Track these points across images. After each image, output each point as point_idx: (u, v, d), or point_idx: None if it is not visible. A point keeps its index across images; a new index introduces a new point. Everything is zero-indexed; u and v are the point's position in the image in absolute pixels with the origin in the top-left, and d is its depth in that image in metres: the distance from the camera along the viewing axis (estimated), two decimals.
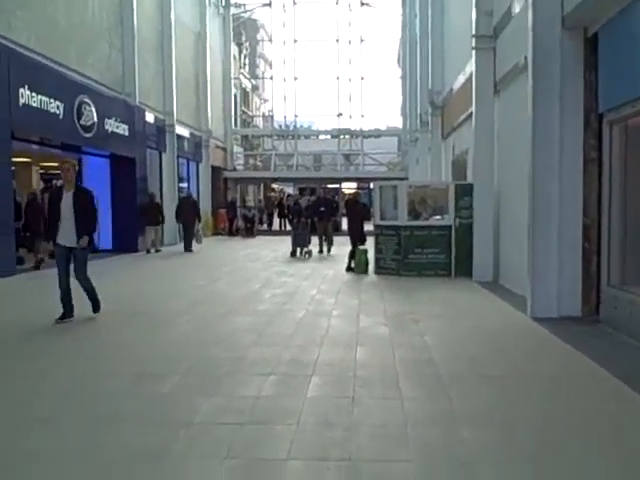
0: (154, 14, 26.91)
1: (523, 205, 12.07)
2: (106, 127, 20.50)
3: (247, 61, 57.62)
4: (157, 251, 23.31)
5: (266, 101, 61.10)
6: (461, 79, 18.55)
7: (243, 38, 52.93)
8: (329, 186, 41.66)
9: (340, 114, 41.85)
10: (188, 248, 23.72)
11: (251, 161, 46.10)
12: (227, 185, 39.62)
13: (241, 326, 9.12)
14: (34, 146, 19.22)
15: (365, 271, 15.83)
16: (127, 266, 18.84)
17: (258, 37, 61.13)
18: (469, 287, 13.48)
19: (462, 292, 12.74)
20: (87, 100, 18.91)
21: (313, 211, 21.55)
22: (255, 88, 61.10)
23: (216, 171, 37.92)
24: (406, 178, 34.38)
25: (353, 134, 42.51)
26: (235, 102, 45.87)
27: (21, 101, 15.58)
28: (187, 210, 24.56)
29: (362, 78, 41.75)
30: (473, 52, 13.99)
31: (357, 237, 16.21)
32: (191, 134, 32.48)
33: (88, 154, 22.12)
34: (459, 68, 19.46)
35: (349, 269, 16.22)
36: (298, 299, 11.65)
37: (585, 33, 9.06)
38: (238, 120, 48.44)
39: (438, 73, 23.56)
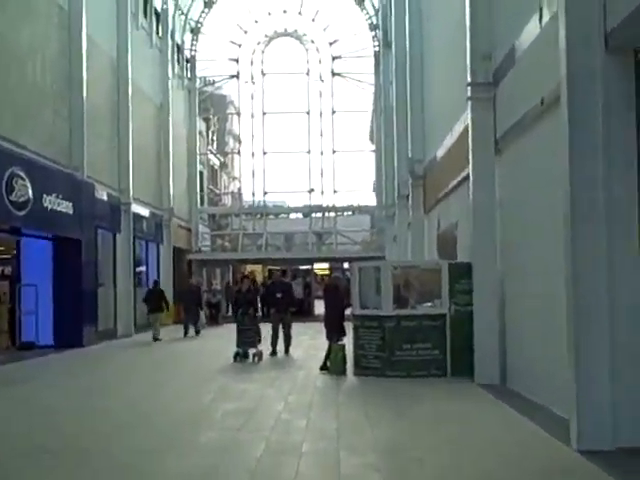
0: (109, 81, 24.79)
1: (537, 288, 9.69)
2: (45, 204, 17.93)
3: (215, 137, 55.78)
4: (156, 340, 21.96)
5: (235, 179, 59.04)
6: (448, 143, 16.40)
7: (211, 114, 51.21)
8: (301, 267, 39.30)
9: (312, 189, 39.70)
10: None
11: (219, 241, 43.62)
12: (191, 268, 36.91)
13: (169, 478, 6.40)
14: None
15: (343, 371, 13.16)
16: (63, 367, 16.00)
17: (227, 112, 59.62)
18: (473, 394, 10.85)
19: (467, 403, 10.11)
20: (20, 173, 16.39)
21: (267, 298, 18.15)
22: (224, 166, 59.08)
23: (180, 253, 35.36)
24: (382, 257, 32.13)
25: (325, 210, 40.30)
26: (201, 180, 43.64)
27: None
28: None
29: (334, 151, 39.82)
30: (468, 104, 11.75)
31: (335, 330, 13.58)
32: (151, 213, 30.02)
33: (28, 236, 19.52)
34: (442, 134, 17.39)
35: (324, 368, 13.55)
36: (258, 420, 8.91)
37: (636, 56, 6.79)
38: (205, 199, 46.10)
39: (418, 141, 21.49)
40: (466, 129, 13.83)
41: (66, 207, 19.25)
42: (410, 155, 21.63)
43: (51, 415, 9.65)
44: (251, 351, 15.45)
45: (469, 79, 11.68)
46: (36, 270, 19.74)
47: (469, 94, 11.68)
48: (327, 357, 13.53)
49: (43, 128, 18.83)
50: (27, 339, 19.52)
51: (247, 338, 15.40)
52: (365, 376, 12.75)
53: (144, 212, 28.79)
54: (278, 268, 36.99)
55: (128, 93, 25.73)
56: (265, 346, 16.04)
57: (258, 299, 18.20)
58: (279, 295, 16.81)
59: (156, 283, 25.02)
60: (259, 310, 17.89)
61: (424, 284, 14.14)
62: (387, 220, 33.64)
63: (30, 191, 16.85)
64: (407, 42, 22.56)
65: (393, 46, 27.99)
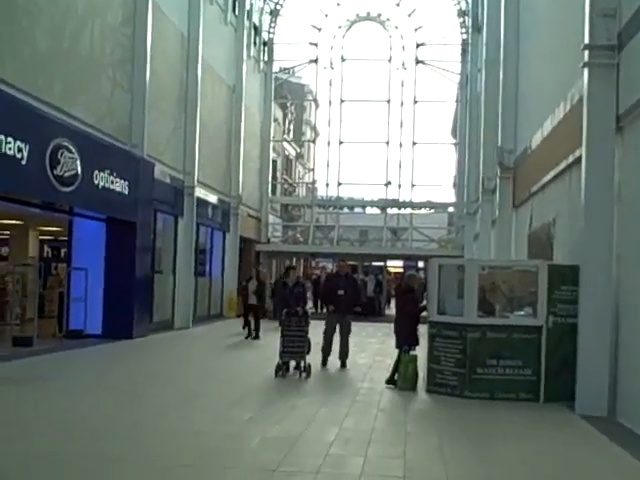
0: (177, 56, 23.23)
1: None
2: (96, 182, 16.42)
3: (292, 127, 54.31)
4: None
5: (311, 170, 57.43)
6: (547, 128, 14.16)
7: (288, 101, 49.66)
8: (373, 264, 37.23)
9: (389, 183, 37.58)
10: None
11: (290, 233, 41.99)
12: (259, 259, 35.33)
13: None
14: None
15: (413, 387, 11.16)
16: (102, 363, 14.54)
17: (305, 104, 58.04)
18: (574, 427, 8.73)
19: (567, 439, 8.00)
20: (67, 145, 14.86)
21: (326, 294, 14.56)
22: (299, 156, 57.57)
23: (247, 243, 33.83)
24: (461, 257, 29.83)
25: (401, 205, 38.10)
26: (274, 169, 42.11)
27: None
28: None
29: (414, 143, 37.57)
30: (584, 72, 9.54)
31: (407, 338, 11.54)
32: (218, 200, 28.50)
33: (80, 216, 18.15)
34: (540, 120, 15.16)
35: (390, 381, 11.56)
36: (301, 455, 6.99)
37: None
38: (278, 189, 44.61)
39: (509, 130, 19.20)
40: (573, 108, 11.70)
41: (121, 186, 17.74)
42: (500, 144, 19.36)
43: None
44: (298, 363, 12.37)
45: (586, 40, 9.46)
46: (87, 253, 18.35)
47: (586, 59, 9.46)
48: (395, 369, 11.51)
49: (99, 100, 17.36)
50: (75, 327, 18.20)
51: (293, 347, 12.22)
52: (439, 394, 10.73)
53: (210, 198, 27.30)
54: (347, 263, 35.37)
55: (198, 70, 24.17)
56: (315, 356, 13.19)
57: (309, 296, 15.85)
58: (341, 292, 13.64)
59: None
60: (309, 310, 15.04)
61: (515, 289, 12.02)
62: (467, 218, 31.41)
63: (79, 166, 15.34)
64: (502, 23, 20.29)
65: (484, 31, 25.79)
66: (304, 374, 12.13)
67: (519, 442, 7.88)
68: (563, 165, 12.59)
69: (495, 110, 20.96)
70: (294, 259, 47.32)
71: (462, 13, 37.05)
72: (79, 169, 15.35)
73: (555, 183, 13.69)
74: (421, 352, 11.54)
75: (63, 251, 22.68)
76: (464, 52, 36.72)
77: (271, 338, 16.18)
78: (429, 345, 11.10)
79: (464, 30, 36.95)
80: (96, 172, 16.32)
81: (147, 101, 19.42)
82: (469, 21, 35.22)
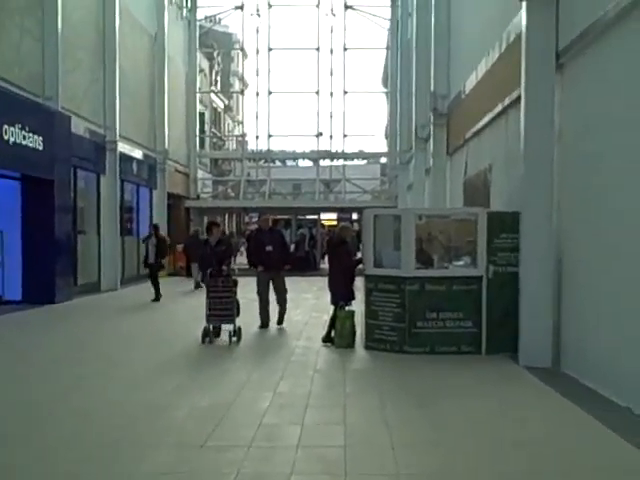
0: (92, 2, 21.81)
1: (612, 248, 7.22)
2: (6, 137, 15.24)
3: (219, 78, 52.76)
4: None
5: (240, 123, 56.16)
6: (482, 70, 13.68)
7: (215, 52, 48.11)
8: (307, 217, 36.67)
9: (320, 133, 36.75)
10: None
11: (220, 188, 40.97)
12: (189, 216, 34.34)
13: None
14: None
15: (351, 344, 10.68)
16: (15, 331, 13.63)
17: (232, 53, 56.46)
18: (520, 381, 8.38)
19: (514, 396, 7.63)
20: None
21: (253, 253, 13.42)
22: (228, 109, 56.17)
23: (176, 200, 32.74)
24: (395, 208, 29.53)
25: (334, 157, 37.45)
26: (202, 122, 40.81)
27: None
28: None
29: (345, 92, 36.70)
30: (523, 4, 8.99)
31: (342, 293, 11.00)
32: (144, 155, 27.32)
33: None
34: (474, 63, 14.67)
35: (327, 339, 11.06)
36: (231, 426, 6.39)
37: None
38: (207, 143, 43.39)
39: (442, 75, 18.67)
40: (509, 47, 11.22)
41: (34, 141, 16.55)
42: (433, 89, 18.82)
43: None
44: (226, 328, 11.32)
45: None
46: (3, 214, 17.20)
47: None
48: (332, 326, 10.99)
49: (6, 48, 16.05)
50: None
51: (221, 310, 11.14)
52: (378, 351, 10.28)
53: (135, 153, 26.11)
54: (279, 217, 34.75)
55: (115, 17, 22.74)
56: (247, 320, 12.13)
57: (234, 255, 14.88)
58: (269, 248, 12.80)
59: (196, 232, 23.15)
60: (234, 269, 13.48)
61: (452, 239, 11.60)
62: (401, 168, 30.95)
63: None
64: None
65: None
66: (234, 338, 11.11)
67: (465, 399, 7.47)
68: (499, 108, 12.14)
69: (427, 55, 20.38)
70: (226, 215, 46.46)
71: None
72: None
73: (491, 128, 13.26)
74: (358, 307, 11.05)
75: None
76: None
77: (194, 300, 15.39)
78: (366, 300, 10.59)
79: None
80: (5, 127, 15.14)
81: (60, 50, 18.11)
82: None
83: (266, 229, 13.51)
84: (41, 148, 16.93)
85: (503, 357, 9.55)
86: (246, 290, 13.12)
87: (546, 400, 7.46)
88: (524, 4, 9.01)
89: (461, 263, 10.64)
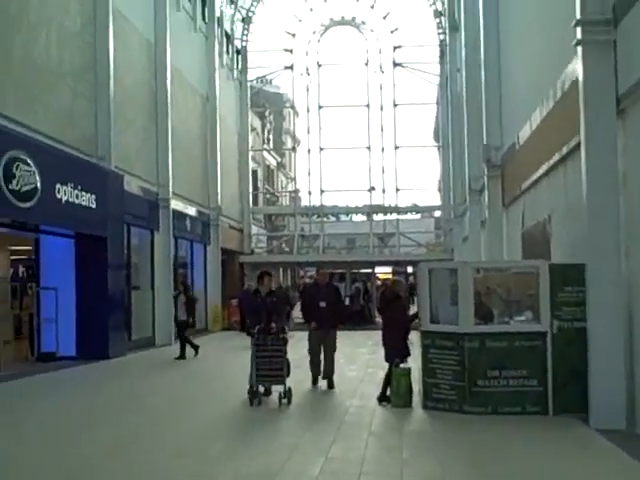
0: (144, 64, 22.22)
1: None
2: (59, 196, 15.38)
3: (271, 136, 53.34)
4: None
5: (293, 180, 56.52)
6: (536, 119, 13.28)
7: (266, 111, 48.74)
8: (362, 271, 36.35)
9: (372, 188, 36.65)
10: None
11: (275, 243, 40.99)
12: (244, 271, 34.33)
13: None
14: None
15: (408, 403, 10.18)
16: (68, 388, 13.45)
17: (284, 112, 57.17)
18: (591, 444, 7.78)
19: (586, 461, 7.05)
20: (23, 157, 13.82)
21: (305, 308, 12.90)
22: (281, 166, 56.65)
23: (230, 255, 32.83)
24: (451, 260, 29.03)
25: (387, 211, 37.17)
26: (255, 179, 41.16)
27: None
28: None
29: (396, 147, 36.67)
30: (578, 50, 8.64)
31: (397, 350, 10.55)
32: (197, 212, 27.51)
33: (47, 233, 17.13)
34: (527, 113, 14.29)
35: (383, 398, 10.58)
36: None
37: None
38: (261, 199, 43.66)
39: (494, 127, 18.31)
40: (565, 95, 10.84)
41: (87, 200, 16.70)
42: (486, 142, 18.48)
43: None
44: (276, 388, 10.61)
45: (578, 15, 8.56)
46: (57, 271, 17.37)
47: (579, 36, 8.55)
48: (387, 384, 10.53)
49: (59, 110, 16.28)
50: (47, 349, 17.17)
51: (270, 370, 10.44)
52: (437, 410, 9.76)
53: (189, 210, 26.31)
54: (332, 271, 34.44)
55: (167, 78, 23.16)
56: (299, 378, 11.64)
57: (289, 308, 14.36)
58: (323, 305, 12.11)
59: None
60: (289, 324, 13.05)
61: (512, 292, 11.10)
62: (455, 220, 30.60)
63: (38, 179, 14.30)
64: (480, 19, 19.42)
65: (462, 29, 24.98)
66: (284, 400, 10.40)
67: (532, 467, 6.92)
68: (556, 158, 11.70)
69: (478, 108, 20.08)
70: (280, 270, 46.35)
71: (438, 14, 36.32)
72: (38, 183, 14.31)
73: (548, 178, 12.80)
74: (414, 364, 10.57)
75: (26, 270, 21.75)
76: (442, 53, 35.96)
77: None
78: (423, 357, 10.12)
79: (441, 31, 36.21)
80: (58, 186, 15.28)
81: (112, 111, 18.38)
82: (446, 21, 34.45)
83: (323, 284, 12.84)
84: (94, 206, 17.06)
85: (572, 418, 8.94)
86: (299, 346, 12.73)
87: (621, 466, 6.86)
88: (579, 49, 8.65)
89: (522, 318, 10.11)
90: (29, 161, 13.99)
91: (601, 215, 8.48)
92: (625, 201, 8.41)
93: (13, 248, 23.12)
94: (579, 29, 8.57)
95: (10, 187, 13.37)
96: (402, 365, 10.43)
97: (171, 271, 23.12)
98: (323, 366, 12.35)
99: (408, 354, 10.63)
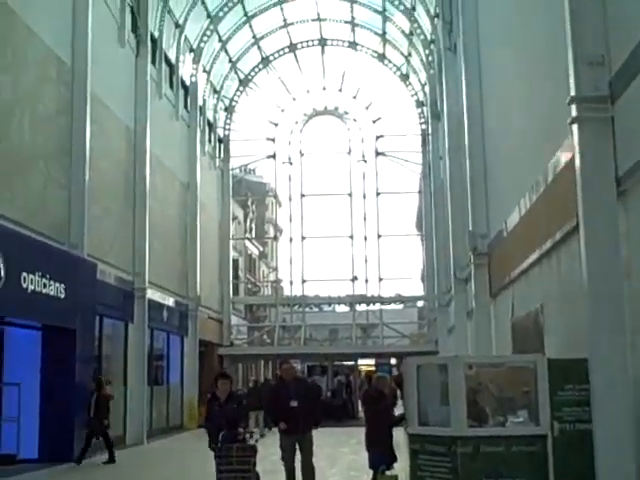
0: (122, 151, 21.84)
1: None
2: (24, 285, 14.56)
3: (254, 225, 53.07)
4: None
5: (274, 270, 55.95)
6: (526, 204, 12.78)
7: (249, 200, 48.59)
8: (345, 363, 35.42)
9: (355, 278, 36.07)
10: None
11: (256, 334, 39.95)
12: (223, 364, 33.20)
13: None
14: None
15: None
16: None
17: (267, 201, 57.15)
18: None
19: None
20: None
21: (272, 408, 11.45)
22: (263, 255, 56.18)
23: (209, 347, 31.81)
24: (435, 352, 28.26)
25: (370, 301, 36.49)
26: (236, 268, 40.50)
27: None
28: None
29: (379, 236, 36.29)
30: (574, 128, 8.13)
31: (382, 456, 9.62)
32: (175, 302, 26.68)
33: (13, 325, 16.20)
34: (515, 198, 13.83)
35: None
36: None
37: None
38: (241, 289, 42.90)
39: (480, 214, 17.88)
40: (557, 178, 10.34)
41: (55, 289, 15.89)
42: (471, 229, 17.99)
43: None
44: None
45: (573, 92, 8.10)
46: (21, 366, 16.36)
47: (574, 113, 8.05)
48: None
49: (28, 195, 15.66)
50: (7, 450, 15.93)
51: None
52: None
53: (165, 300, 25.47)
54: (315, 364, 33.40)
55: (146, 165, 22.80)
56: None
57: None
58: (294, 404, 10.51)
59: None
60: (254, 432, 11.00)
61: (504, 388, 10.24)
62: (440, 311, 29.90)
63: (1, 267, 13.51)
64: (464, 102, 19.29)
65: (444, 115, 25.01)
66: None
67: None
68: (549, 244, 11.10)
69: (463, 194, 19.75)
70: (262, 362, 45.13)
71: (420, 104, 36.71)
72: (1, 271, 13.51)
73: (540, 265, 12.17)
74: (401, 468, 9.63)
75: None
76: (424, 141, 36.12)
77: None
78: (411, 463, 9.14)
79: (423, 120, 36.50)
80: (24, 274, 14.47)
81: (87, 197, 17.80)
82: (428, 111, 34.71)
83: (290, 379, 11.08)
84: (63, 296, 16.24)
85: None
86: (270, 452, 11.64)
87: None
88: (575, 127, 8.15)
89: (520, 420, 9.25)
90: None
91: (604, 304, 7.78)
92: (629, 289, 7.73)
93: None
94: (574, 106, 8.07)
95: None
96: (388, 472, 9.48)
97: (145, 364, 22.10)
98: (301, 474, 10.80)
99: (394, 460, 9.70)
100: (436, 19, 26.62)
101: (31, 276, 14.80)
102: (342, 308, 41.84)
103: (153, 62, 24.99)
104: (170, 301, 26.09)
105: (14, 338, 16.44)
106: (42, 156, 16.34)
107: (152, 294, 23.18)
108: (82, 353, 17.25)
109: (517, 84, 14.06)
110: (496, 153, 16.91)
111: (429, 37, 29.27)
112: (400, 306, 42.56)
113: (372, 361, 37.03)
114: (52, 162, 16.81)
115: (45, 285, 15.42)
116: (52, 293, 15.75)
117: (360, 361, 35.69)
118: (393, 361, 35.30)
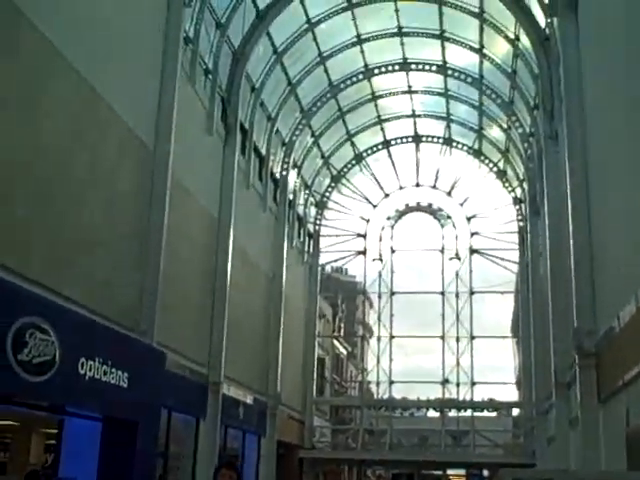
0: (203, 237, 21.13)
1: None
2: (81, 371, 13.56)
3: (342, 325, 51.74)
4: None
5: (364, 370, 54.15)
6: None
7: (339, 299, 47.56)
8: (432, 472, 32.98)
9: (446, 380, 33.97)
10: None
11: (340, 437, 37.96)
12: (302, 468, 31.36)
13: None
14: None
15: None
16: None
17: (357, 301, 55.94)
18: None
19: None
20: (41, 325, 12.17)
21: None
22: (352, 356, 54.52)
23: (289, 449, 30.11)
24: (532, 465, 25.76)
25: (461, 406, 34.15)
26: (322, 367, 39.05)
27: None
28: None
29: (472, 337, 34.26)
30: None
31: None
32: (253, 399, 25.35)
33: (73, 415, 15.20)
34: (629, 291, 12.05)
35: None
36: None
37: None
38: (327, 390, 41.25)
39: (586, 308, 15.99)
40: None
41: (117, 378, 14.82)
42: (576, 326, 16.12)
43: None
44: None
45: None
46: (79, 459, 15.23)
47: None
48: None
49: (96, 276, 14.82)
50: None
51: None
52: None
53: (242, 396, 24.17)
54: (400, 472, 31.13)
55: (228, 254, 22.02)
56: None
57: None
58: None
59: None
60: None
61: None
62: (538, 419, 27.41)
63: (56, 350, 12.56)
64: (567, 188, 17.69)
65: (545, 213, 23.38)
66: None
67: None
68: None
69: (566, 291, 17.92)
70: (346, 467, 42.86)
71: (518, 201, 35.17)
72: (56, 354, 12.55)
73: None
74: None
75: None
76: (522, 239, 34.35)
77: None
78: None
79: (520, 217, 34.86)
80: (82, 359, 13.49)
81: (161, 283, 16.95)
82: (526, 208, 33.14)
83: None
84: (126, 385, 15.13)
85: None
86: None
87: None
88: None
89: None
90: (48, 329, 12.34)
91: None
92: None
93: (49, 431, 21.41)
94: None
95: (19, 357, 11.62)
96: None
97: (216, 464, 20.67)
98: None
99: None
100: (535, 110, 25.47)
101: (90, 362, 13.79)
102: (431, 413, 39.54)
103: (242, 152, 24.71)
104: (248, 397, 24.77)
105: (74, 429, 15.42)
106: (114, 238, 15.64)
107: (228, 389, 21.97)
108: (144, 449, 15.96)
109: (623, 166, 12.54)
110: (605, 245, 15.20)
111: (528, 130, 28.05)
112: (493, 413, 39.86)
113: (462, 471, 34.46)
114: (125, 244, 16.11)
115: (105, 372, 14.36)
116: (113, 381, 14.64)
117: (449, 471, 33.18)
118: (485, 472, 32.71)
